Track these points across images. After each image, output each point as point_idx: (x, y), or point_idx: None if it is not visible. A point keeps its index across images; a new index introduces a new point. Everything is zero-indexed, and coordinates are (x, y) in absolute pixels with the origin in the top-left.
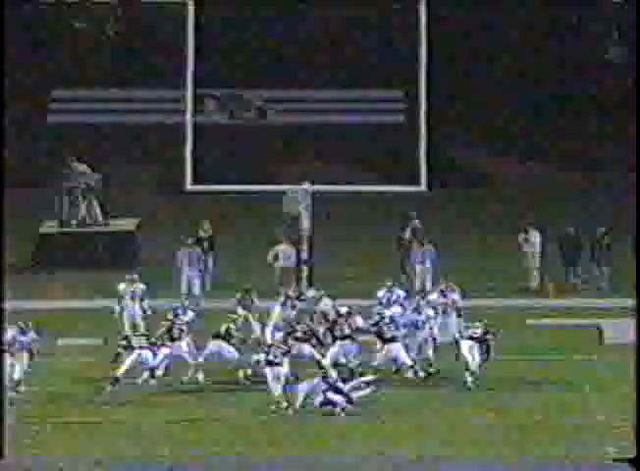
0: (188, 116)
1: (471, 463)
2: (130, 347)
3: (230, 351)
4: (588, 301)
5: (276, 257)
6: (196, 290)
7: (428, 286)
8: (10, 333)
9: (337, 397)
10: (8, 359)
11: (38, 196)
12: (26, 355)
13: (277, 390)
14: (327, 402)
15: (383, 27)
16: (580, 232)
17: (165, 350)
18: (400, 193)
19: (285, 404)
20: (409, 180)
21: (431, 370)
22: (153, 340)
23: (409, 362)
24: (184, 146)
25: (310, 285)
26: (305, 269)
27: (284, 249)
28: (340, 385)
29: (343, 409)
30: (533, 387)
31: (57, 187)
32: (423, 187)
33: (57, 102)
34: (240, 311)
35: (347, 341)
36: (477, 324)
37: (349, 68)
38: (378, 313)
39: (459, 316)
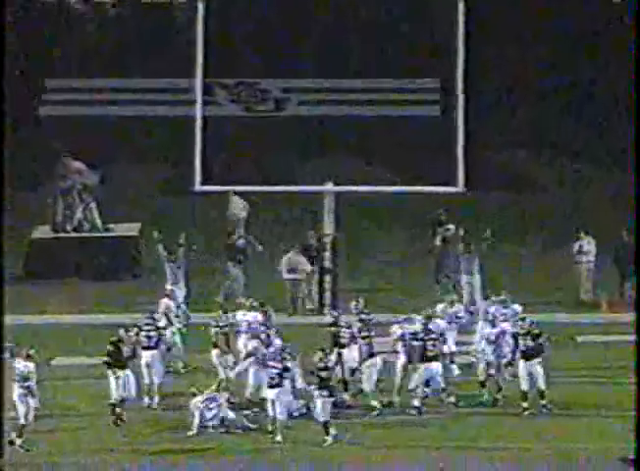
0: (198, 107)
1: None
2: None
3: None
4: None
5: (287, 266)
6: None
7: (477, 299)
8: (22, 364)
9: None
10: (23, 398)
11: (29, 198)
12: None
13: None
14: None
15: (416, 9)
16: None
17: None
18: (432, 195)
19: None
20: (445, 179)
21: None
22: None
23: (442, 385)
24: (192, 142)
25: (334, 297)
26: (328, 279)
27: (292, 259)
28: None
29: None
30: (581, 411)
31: (50, 188)
32: (460, 188)
33: (51, 92)
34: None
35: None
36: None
37: (379, 54)
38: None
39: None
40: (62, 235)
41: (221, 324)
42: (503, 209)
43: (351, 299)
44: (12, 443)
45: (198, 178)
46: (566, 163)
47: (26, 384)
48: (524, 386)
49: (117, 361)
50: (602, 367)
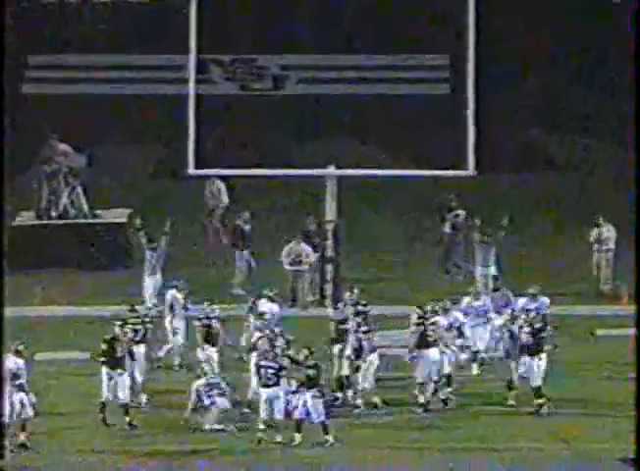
0: (191, 86)
1: None
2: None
3: None
4: None
5: (289, 257)
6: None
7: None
8: (12, 360)
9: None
10: (16, 395)
11: (10, 182)
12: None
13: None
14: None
15: None
16: None
17: None
18: (441, 179)
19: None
20: (454, 163)
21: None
22: None
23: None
24: (185, 123)
25: (336, 288)
26: (330, 269)
27: (295, 248)
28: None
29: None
30: (599, 409)
31: (34, 171)
32: (471, 172)
33: (35, 69)
34: (252, 320)
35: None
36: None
37: (384, 28)
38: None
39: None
40: (46, 221)
41: (201, 316)
42: (514, 192)
43: (350, 290)
44: (24, 445)
45: (192, 161)
46: (579, 140)
47: (17, 382)
48: (530, 382)
49: (111, 360)
50: (622, 362)
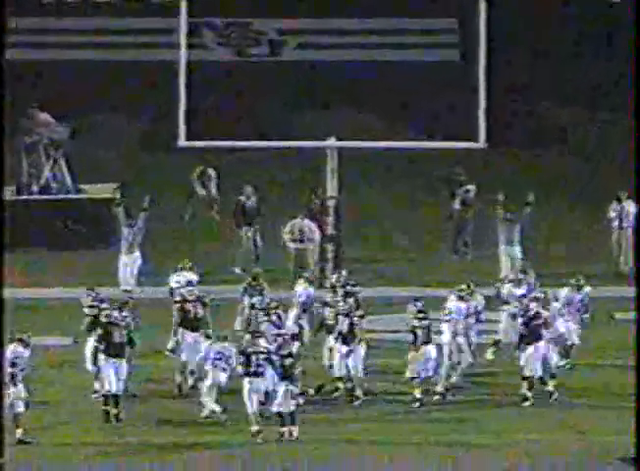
0: (182, 52)
1: None
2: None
3: None
4: None
5: (292, 235)
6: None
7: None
8: (11, 349)
9: None
10: (11, 388)
11: None
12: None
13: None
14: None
15: None
16: None
17: None
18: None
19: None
20: (464, 134)
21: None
22: None
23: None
24: (176, 91)
25: (336, 267)
26: (330, 248)
27: (299, 225)
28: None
29: None
30: (619, 398)
31: (13, 144)
32: (481, 144)
33: (16, 34)
34: (247, 302)
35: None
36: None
37: None
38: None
39: None
40: (27, 196)
41: (177, 299)
42: (524, 168)
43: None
44: (21, 441)
45: (182, 132)
46: (594, 115)
47: (10, 370)
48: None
49: (109, 347)
50: None
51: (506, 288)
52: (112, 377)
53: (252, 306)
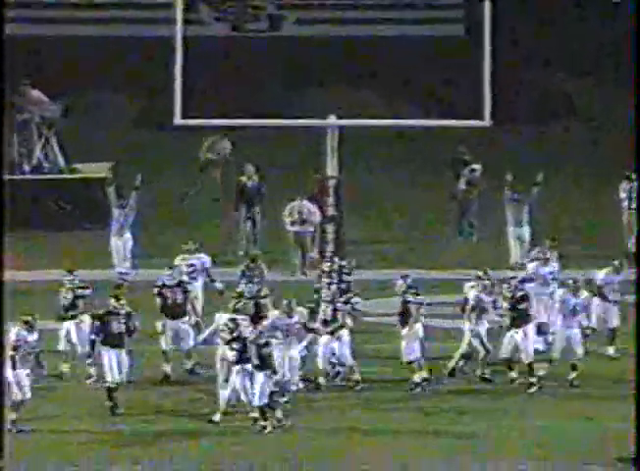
0: (178, 27)
1: None
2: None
3: None
4: None
5: (291, 217)
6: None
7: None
8: (13, 331)
9: None
10: (10, 372)
11: None
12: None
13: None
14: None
15: None
16: None
17: None
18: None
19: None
20: (468, 112)
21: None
22: None
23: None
24: (171, 67)
25: (337, 250)
26: (331, 229)
27: (299, 206)
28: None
29: None
30: (628, 387)
31: (3, 121)
32: (487, 122)
33: (12, 8)
34: (243, 286)
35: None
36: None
37: None
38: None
39: None
40: (18, 176)
41: (157, 283)
42: (529, 143)
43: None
44: (21, 430)
45: (178, 109)
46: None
47: (11, 353)
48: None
49: (107, 337)
50: None
51: (531, 267)
52: (115, 368)
53: (240, 294)
